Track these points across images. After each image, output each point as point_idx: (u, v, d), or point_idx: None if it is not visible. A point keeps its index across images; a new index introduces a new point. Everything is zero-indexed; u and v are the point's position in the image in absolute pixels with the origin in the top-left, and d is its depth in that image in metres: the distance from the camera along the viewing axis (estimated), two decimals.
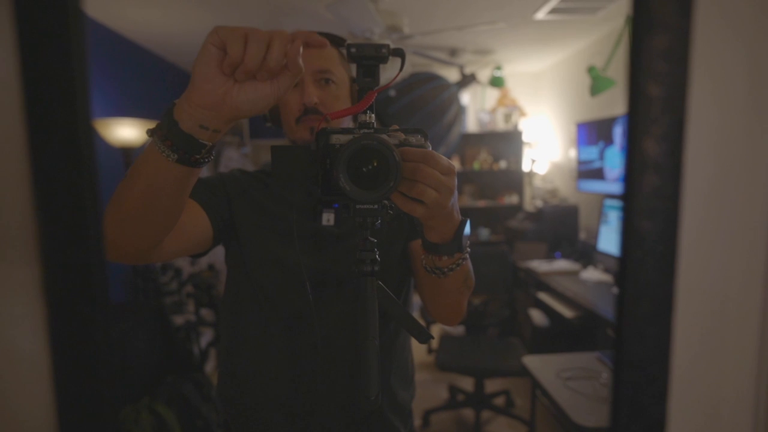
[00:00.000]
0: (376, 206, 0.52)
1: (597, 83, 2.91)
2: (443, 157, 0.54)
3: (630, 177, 0.24)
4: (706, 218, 0.26)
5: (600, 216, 2.91)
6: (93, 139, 0.29)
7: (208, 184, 0.82)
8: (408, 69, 3.73)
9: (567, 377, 1.70)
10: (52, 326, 0.28)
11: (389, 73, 2.51)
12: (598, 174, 3.25)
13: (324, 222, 0.56)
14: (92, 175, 0.27)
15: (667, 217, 0.24)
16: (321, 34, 0.80)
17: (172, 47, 3.31)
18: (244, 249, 0.82)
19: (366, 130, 0.53)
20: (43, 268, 0.27)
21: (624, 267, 0.25)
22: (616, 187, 3.01)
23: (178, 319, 2.63)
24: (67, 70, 0.26)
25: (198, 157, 0.52)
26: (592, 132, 3.32)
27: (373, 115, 0.55)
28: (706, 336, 0.28)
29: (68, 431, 0.29)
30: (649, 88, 0.23)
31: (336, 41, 0.84)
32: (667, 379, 0.26)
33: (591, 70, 2.95)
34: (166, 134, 0.50)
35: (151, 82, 3.39)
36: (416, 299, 0.91)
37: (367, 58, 0.52)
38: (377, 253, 0.53)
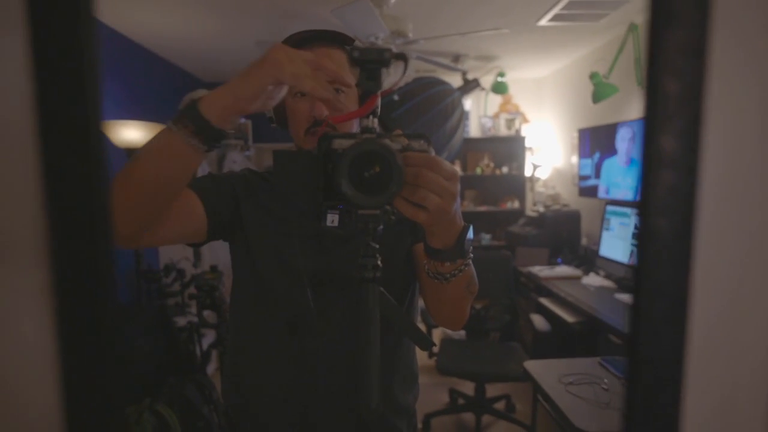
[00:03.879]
0: (378, 211, 0.51)
1: (599, 90, 2.92)
2: (446, 162, 0.54)
3: (646, 174, 0.24)
4: (723, 216, 0.26)
5: (602, 222, 2.91)
6: (103, 141, 0.29)
7: (215, 179, 0.82)
8: (412, 74, 3.74)
9: (568, 382, 1.69)
10: (60, 325, 0.28)
11: (392, 77, 2.52)
12: (592, 192, 3.22)
13: (328, 223, 0.56)
14: (102, 176, 0.28)
15: (682, 214, 0.24)
16: (331, 32, 0.80)
17: (178, 51, 3.33)
18: (250, 249, 0.82)
19: (368, 135, 0.53)
20: (52, 268, 0.27)
21: (639, 265, 0.25)
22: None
23: (181, 321, 2.62)
24: (79, 72, 0.26)
25: (219, 144, 0.61)
26: (588, 140, 3.30)
27: (375, 120, 0.55)
28: (721, 334, 0.28)
29: (76, 430, 0.29)
30: (665, 84, 0.23)
31: (345, 41, 0.82)
32: (681, 379, 0.26)
33: (594, 76, 2.96)
34: (198, 131, 0.58)
35: (157, 85, 3.41)
36: (420, 303, 0.90)
37: (371, 61, 0.52)
38: (379, 258, 0.53)
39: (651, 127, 0.24)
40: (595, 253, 2.99)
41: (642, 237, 0.25)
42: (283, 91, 0.63)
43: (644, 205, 0.25)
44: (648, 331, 0.25)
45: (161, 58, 3.46)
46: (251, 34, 2.93)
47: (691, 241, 0.24)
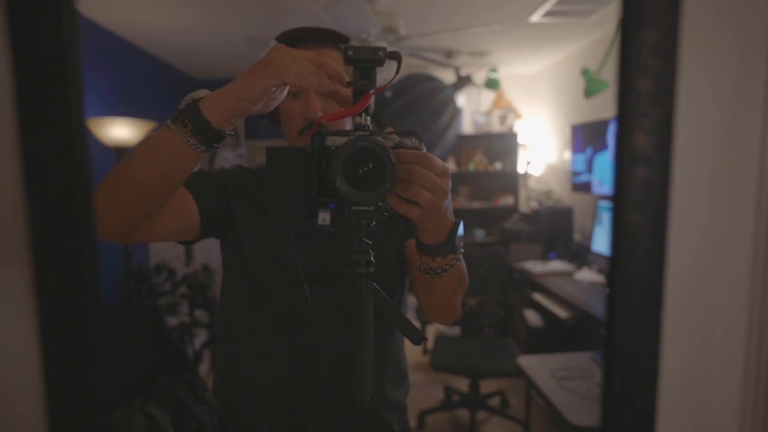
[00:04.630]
0: (371, 208, 0.52)
1: (591, 85, 2.93)
2: (437, 159, 0.55)
3: (619, 170, 0.25)
4: (695, 211, 0.27)
5: (594, 217, 2.93)
6: (86, 138, 0.29)
7: (207, 176, 0.82)
8: (404, 70, 3.74)
9: (561, 377, 1.71)
10: (43, 326, 0.28)
11: (385, 74, 2.52)
12: (585, 187, 3.25)
13: (320, 221, 0.56)
14: (85, 174, 0.27)
15: (656, 210, 0.24)
16: (326, 31, 0.80)
17: (168, 47, 3.30)
18: (242, 246, 0.82)
19: (361, 133, 0.53)
20: (35, 267, 0.27)
21: (614, 260, 0.25)
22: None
23: (172, 321, 2.62)
24: (60, 67, 0.26)
25: (218, 145, 0.61)
26: (581, 136, 3.33)
27: (368, 118, 0.55)
28: (695, 328, 0.28)
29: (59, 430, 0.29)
30: (638, 82, 0.24)
31: (340, 40, 0.82)
32: (656, 372, 0.26)
33: (585, 72, 2.97)
34: (197, 130, 0.58)
35: (145, 82, 3.38)
36: (411, 300, 0.91)
37: (364, 60, 0.53)
38: (372, 254, 0.54)
39: (624, 124, 0.24)
40: (588, 248, 3.01)
41: (616, 232, 0.25)
42: (285, 92, 0.63)
43: (618, 201, 0.25)
44: (622, 326, 0.25)
45: (149, 54, 3.43)
46: (241, 30, 2.91)
47: (664, 236, 0.25)
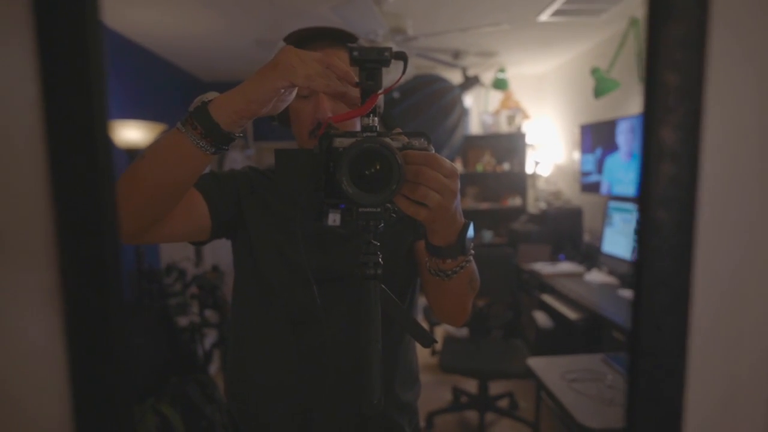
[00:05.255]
0: (379, 209, 0.52)
1: (601, 85, 2.91)
2: (446, 159, 0.54)
3: (646, 166, 0.25)
4: (723, 207, 0.26)
5: (604, 218, 2.91)
6: (110, 142, 0.29)
7: (217, 177, 0.82)
8: (411, 71, 3.74)
9: (572, 379, 1.69)
10: (69, 325, 0.28)
11: (393, 75, 2.52)
12: (595, 188, 3.23)
13: (330, 222, 0.56)
14: (109, 176, 0.28)
15: (683, 206, 0.24)
16: (334, 31, 0.80)
17: (177, 50, 3.33)
18: (252, 247, 0.82)
19: (369, 134, 0.53)
20: (61, 269, 0.27)
21: (641, 256, 0.25)
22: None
23: (183, 321, 2.63)
24: (85, 72, 0.26)
25: (227, 147, 0.61)
26: (590, 136, 3.30)
27: (376, 118, 0.55)
28: (722, 325, 0.28)
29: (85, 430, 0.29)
30: (665, 76, 0.23)
31: (349, 39, 0.81)
32: (683, 369, 0.26)
33: (595, 71, 2.95)
34: (206, 133, 0.58)
35: (156, 85, 3.41)
36: (421, 301, 0.90)
37: (371, 61, 0.53)
38: (380, 256, 0.54)
39: (651, 119, 0.24)
40: (598, 249, 2.98)
41: (643, 229, 0.25)
42: (293, 94, 0.63)
43: (644, 197, 0.25)
44: (649, 323, 0.25)
45: (160, 57, 3.46)
46: (251, 32, 2.93)
47: (692, 233, 0.24)
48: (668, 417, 0.27)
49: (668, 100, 0.23)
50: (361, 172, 0.50)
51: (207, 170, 0.86)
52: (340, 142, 0.53)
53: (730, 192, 0.27)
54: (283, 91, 0.59)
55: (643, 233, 0.25)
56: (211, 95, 0.60)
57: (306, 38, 0.79)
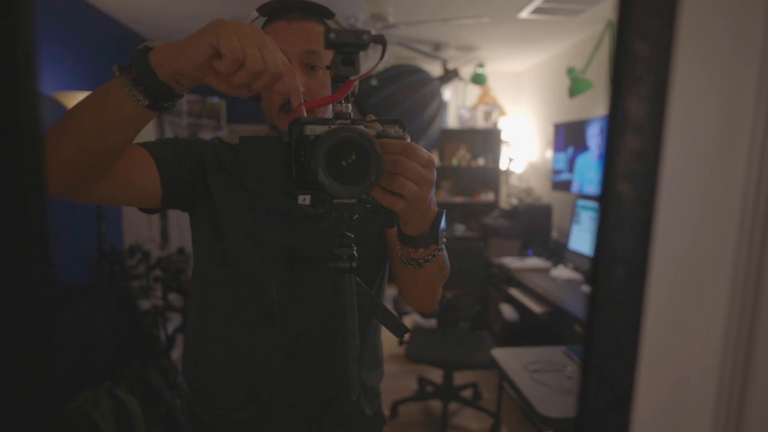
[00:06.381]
0: (353, 200, 0.50)
1: (576, 85, 2.97)
2: (423, 149, 0.53)
3: (611, 137, 0.24)
4: (686, 184, 0.26)
5: (572, 216, 2.98)
6: (37, 98, 0.26)
7: (178, 143, 0.78)
8: (391, 60, 3.71)
9: (533, 370, 1.73)
10: None
11: (369, 61, 2.48)
12: (565, 186, 3.31)
13: (300, 201, 0.54)
14: (35, 137, 0.25)
15: (646, 180, 0.24)
16: (308, 2, 0.76)
17: (147, 22, 3.19)
18: (218, 222, 0.79)
19: (342, 121, 0.51)
20: None
21: (600, 230, 0.25)
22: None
23: (145, 304, 2.55)
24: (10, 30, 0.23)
25: (168, 104, 0.55)
26: (563, 135, 3.37)
27: (349, 105, 0.53)
28: (677, 303, 0.28)
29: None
30: (635, 46, 0.23)
31: (324, 14, 0.77)
32: (636, 347, 0.26)
33: (570, 71, 3.01)
34: (140, 79, 0.53)
35: (124, 57, 3.27)
36: (390, 291, 0.90)
37: (347, 44, 0.49)
38: (355, 249, 0.52)
39: (618, 89, 0.23)
40: (565, 246, 3.06)
41: (604, 201, 0.24)
42: (229, 67, 0.53)
43: (607, 169, 0.24)
44: (605, 299, 0.25)
45: (130, 29, 3.31)
46: (230, 10, 2.84)
47: (653, 207, 0.24)
48: (620, 396, 0.26)
49: (637, 69, 0.23)
50: (337, 163, 0.47)
51: (172, 137, 0.81)
52: (312, 130, 0.50)
53: (693, 168, 0.26)
54: (210, 58, 0.52)
55: (603, 206, 0.24)
56: (157, 43, 0.55)
57: (279, 9, 0.76)
